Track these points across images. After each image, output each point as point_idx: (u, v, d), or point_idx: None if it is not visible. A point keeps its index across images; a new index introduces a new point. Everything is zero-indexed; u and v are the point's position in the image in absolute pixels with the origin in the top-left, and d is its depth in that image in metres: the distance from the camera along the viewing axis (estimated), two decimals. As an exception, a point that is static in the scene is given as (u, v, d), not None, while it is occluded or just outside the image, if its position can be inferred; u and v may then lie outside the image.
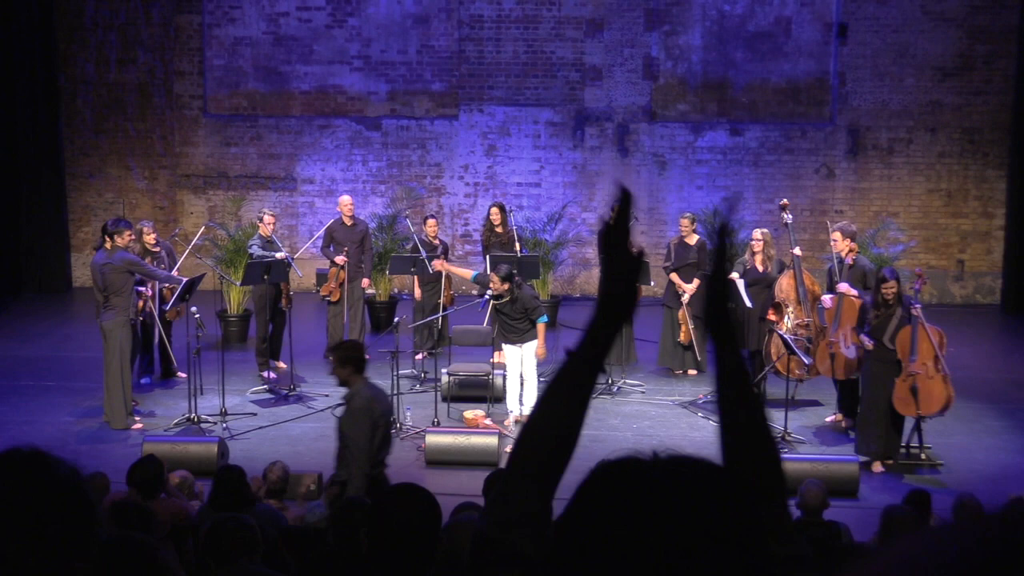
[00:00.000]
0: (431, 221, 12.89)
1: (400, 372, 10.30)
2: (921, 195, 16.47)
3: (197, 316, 9.97)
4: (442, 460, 9.11)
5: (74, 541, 1.80)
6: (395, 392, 10.00)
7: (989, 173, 16.41)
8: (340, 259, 12.19)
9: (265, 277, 11.26)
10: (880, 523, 5.81)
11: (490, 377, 10.79)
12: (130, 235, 10.08)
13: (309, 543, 5.51)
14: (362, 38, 16.82)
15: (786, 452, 9.16)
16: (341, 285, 12.25)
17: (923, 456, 9.32)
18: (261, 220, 12.04)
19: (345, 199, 12.81)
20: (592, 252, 16.52)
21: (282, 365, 11.94)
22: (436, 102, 16.90)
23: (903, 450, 9.53)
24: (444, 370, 10.72)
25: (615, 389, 11.35)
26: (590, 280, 16.71)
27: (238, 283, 12.85)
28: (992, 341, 14.59)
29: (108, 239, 9.95)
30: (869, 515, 6.21)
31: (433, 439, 9.27)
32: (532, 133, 16.81)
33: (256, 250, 11.70)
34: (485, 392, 10.72)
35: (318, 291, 12.76)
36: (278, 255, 11.63)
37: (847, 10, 16.24)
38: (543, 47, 16.66)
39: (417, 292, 12.61)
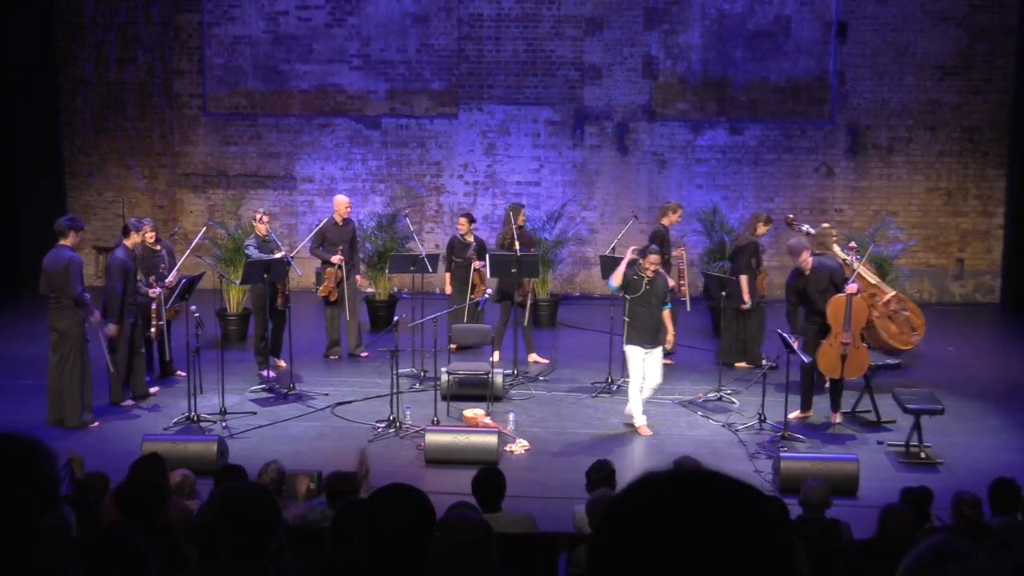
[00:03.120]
0: (463, 220, 12.82)
1: (400, 371, 10.30)
2: (921, 194, 16.47)
3: (197, 315, 9.97)
4: (442, 459, 9.12)
5: (32, 504, 2.22)
6: (395, 391, 10.00)
7: (989, 172, 16.41)
8: (336, 258, 12.19)
9: (265, 276, 11.26)
10: (878, 521, 5.81)
11: (489, 376, 10.79)
12: (78, 235, 10.11)
13: (309, 543, 5.51)
14: (361, 37, 16.82)
15: (785, 451, 9.17)
16: (339, 285, 12.25)
17: (923, 455, 9.33)
18: (257, 220, 12.02)
19: (343, 199, 12.79)
20: (591, 251, 16.53)
21: (282, 363, 11.94)
22: (436, 101, 16.90)
23: (903, 449, 9.55)
24: (443, 369, 10.73)
25: (615, 388, 11.35)
26: (590, 279, 16.72)
27: (238, 282, 12.85)
28: (992, 340, 14.60)
29: (63, 236, 10.06)
30: (869, 514, 6.21)
31: (433, 438, 9.27)
32: (532, 132, 16.81)
33: (252, 251, 11.69)
34: (485, 391, 10.73)
35: (317, 291, 12.76)
36: (276, 255, 11.63)
37: (847, 9, 16.24)
38: (543, 46, 16.65)
39: (448, 288, 12.59)
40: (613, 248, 12.47)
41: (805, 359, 10.13)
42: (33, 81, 16.47)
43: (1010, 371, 12.48)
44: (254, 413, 10.54)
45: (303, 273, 13.79)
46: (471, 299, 12.22)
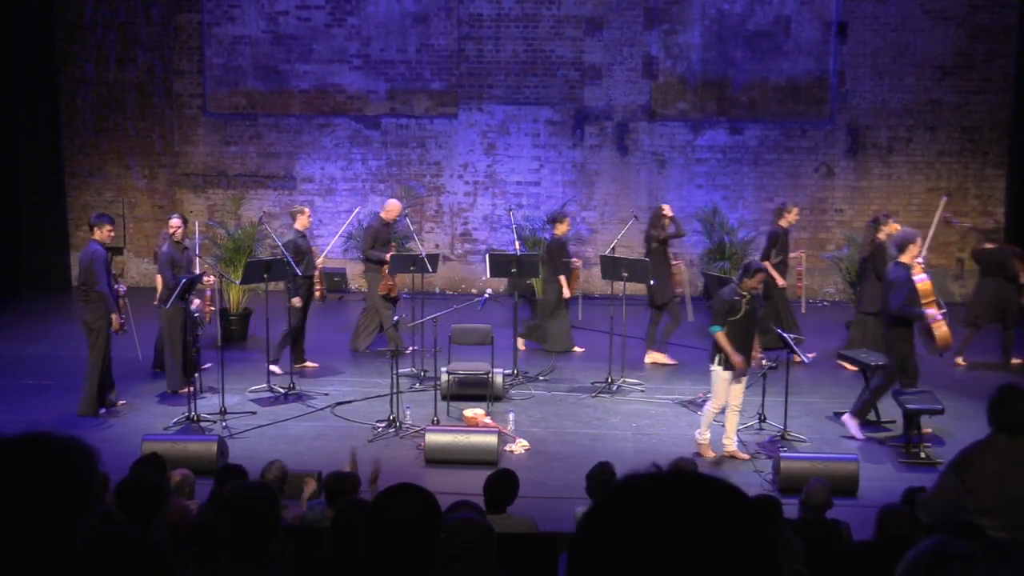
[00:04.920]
0: (565, 221, 12.82)
1: (400, 371, 10.30)
2: (921, 194, 16.47)
3: (196, 315, 9.97)
4: (442, 459, 9.12)
5: (74, 505, 2.27)
6: (395, 391, 10.00)
7: (989, 172, 16.41)
8: (388, 255, 12.52)
9: (265, 276, 11.27)
10: (876, 522, 5.80)
11: (489, 376, 10.79)
12: (110, 230, 10.34)
13: (309, 543, 5.51)
14: (361, 37, 16.82)
15: (785, 451, 9.16)
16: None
17: (922, 455, 9.33)
18: (302, 213, 12.25)
19: (396, 203, 12.98)
20: (591, 251, 16.52)
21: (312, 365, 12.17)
22: (435, 101, 16.90)
23: (903, 449, 9.55)
24: (443, 368, 10.73)
25: (615, 388, 11.35)
26: (589, 279, 16.71)
27: (238, 282, 12.85)
28: (991, 339, 14.58)
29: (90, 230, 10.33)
30: (869, 514, 6.20)
31: (433, 438, 9.27)
32: (531, 132, 16.81)
33: (299, 241, 11.94)
34: (484, 391, 10.72)
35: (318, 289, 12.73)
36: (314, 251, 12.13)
37: (847, 9, 16.24)
38: (543, 46, 16.66)
39: (567, 291, 12.60)
40: (613, 248, 12.46)
41: (805, 360, 10.12)
42: (33, 81, 16.47)
43: (1010, 371, 12.47)
44: (254, 413, 10.54)
45: (303, 273, 13.77)
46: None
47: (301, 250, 11.90)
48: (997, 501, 4.95)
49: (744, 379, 9.40)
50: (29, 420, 10.11)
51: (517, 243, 12.84)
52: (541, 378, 11.88)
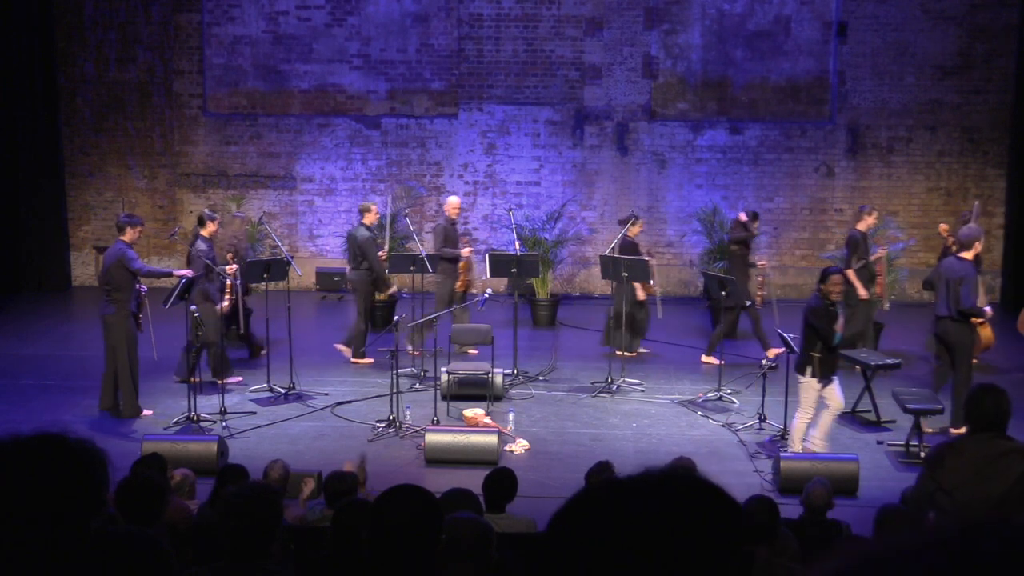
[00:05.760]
0: (640, 223, 12.82)
1: (400, 371, 10.30)
2: (921, 194, 16.47)
3: (196, 315, 9.97)
4: (442, 459, 9.12)
5: (86, 503, 2.29)
6: (395, 391, 10.01)
7: (989, 172, 16.41)
8: (466, 251, 12.65)
9: (265, 276, 11.27)
10: (875, 522, 5.80)
11: (490, 376, 10.80)
12: (140, 230, 10.49)
13: (309, 543, 5.51)
14: (361, 37, 16.82)
15: (786, 451, 9.16)
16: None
17: (922, 455, 9.32)
18: (368, 211, 12.46)
19: (455, 199, 13.00)
20: (591, 251, 16.53)
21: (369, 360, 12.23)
22: (436, 101, 16.90)
23: (903, 448, 9.55)
24: (443, 368, 10.73)
25: (615, 388, 11.36)
26: (589, 279, 16.72)
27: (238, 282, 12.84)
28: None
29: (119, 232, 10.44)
30: (869, 514, 6.20)
31: (432, 438, 9.27)
32: (532, 132, 16.81)
33: (367, 235, 12.19)
34: (484, 391, 10.73)
35: (318, 289, 12.75)
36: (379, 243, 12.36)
37: (847, 9, 16.24)
38: (543, 46, 16.66)
39: (640, 294, 12.60)
40: (613, 248, 12.46)
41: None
42: (33, 81, 16.47)
43: (1010, 370, 12.47)
44: (254, 413, 10.54)
45: (303, 273, 13.78)
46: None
47: (365, 245, 12.12)
48: (969, 497, 4.99)
49: (835, 382, 9.09)
50: (30, 419, 10.12)
51: (517, 243, 12.84)
52: (541, 378, 11.88)
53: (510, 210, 14.00)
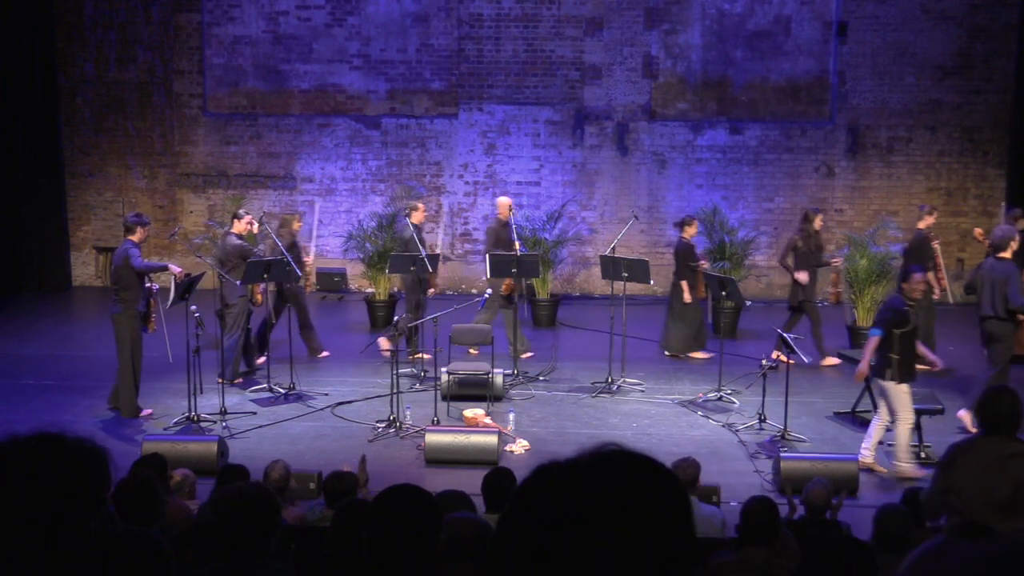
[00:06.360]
0: (694, 223, 12.81)
1: (400, 371, 10.30)
2: (921, 194, 16.47)
3: (197, 315, 9.97)
4: (442, 459, 9.11)
5: (85, 503, 2.28)
6: (395, 391, 10.01)
7: (989, 172, 16.42)
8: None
9: (265, 276, 11.28)
10: (874, 521, 5.79)
11: (490, 376, 10.79)
12: (147, 231, 10.58)
13: (309, 543, 5.51)
14: (361, 37, 16.82)
15: (785, 451, 9.16)
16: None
17: (922, 455, 9.32)
18: (416, 209, 12.45)
19: (506, 200, 12.95)
20: (591, 251, 16.52)
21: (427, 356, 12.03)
22: (436, 101, 16.90)
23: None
24: (444, 369, 10.72)
25: (615, 388, 11.35)
26: (589, 279, 16.72)
27: (238, 282, 12.84)
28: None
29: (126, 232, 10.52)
30: (869, 514, 6.19)
31: (433, 438, 9.27)
32: (532, 132, 16.81)
33: (410, 233, 12.22)
34: (485, 391, 10.72)
35: (318, 289, 12.73)
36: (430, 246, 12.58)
37: (847, 9, 16.24)
38: (543, 46, 16.66)
39: (687, 296, 12.61)
40: (613, 248, 12.46)
41: (805, 360, 10.12)
42: (33, 81, 16.48)
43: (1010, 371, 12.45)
44: (254, 413, 10.54)
45: (303, 274, 13.77)
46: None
47: (409, 243, 12.15)
48: (977, 498, 5.01)
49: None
50: (30, 419, 10.12)
51: (517, 243, 12.83)
52: (541, 378, 11.88)
53: (510, 210, 14.00)
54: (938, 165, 16.46)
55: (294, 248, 12.25)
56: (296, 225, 12.53)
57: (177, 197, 17.22)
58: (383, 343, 12.19)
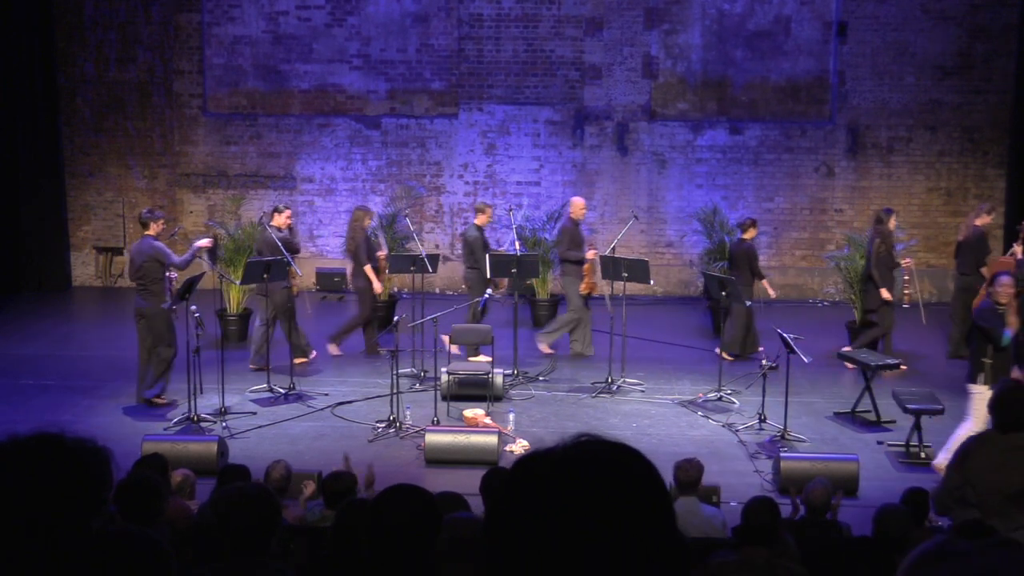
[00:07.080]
0: (756, 224, 12.96)
1: (400, 371, 10.30)
2: (921, 194, 16.47)
3: (197, 315, 9.97)
4: (442, 459, 9.12)
5: (85, 503, 2.29)
6: (395, 391, 10.01)
7: (989, 172, 16.41)
8: (591, 253, 12.61)
9: (265, 276, 11.28)
10: (874, 521, 5.80)
11: (490, 376, 10.79)
12: (163, 223, 10.79)
13: (309, 543, 5.51)
14: (361, 37, 16.82)
15: (785, 451, 9.16)
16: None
17: (922, 455, 9.33)
18: (483, 211, 12.72)
19: (580, 201, 13.00)
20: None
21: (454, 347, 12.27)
22: (436, 101, 16.90)
23: (903, 448, 9.55)
24: (444, 369, 10.73)
25: (615, 388, 11.35)
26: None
27: (238, 282, 12.86)
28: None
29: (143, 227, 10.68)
30: (869, 514, 6.20)
31: (433, 438, 9.27)
32: (532, 132, 16.81)
33: (476, 235, 12.47)
34: (485, 391, 10.72)
35: (318, 289, 12.70)
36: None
37: (847, 9, 16.24)
38: (543, 46, 16.66)
39: (771, 292, 12.65)
40: (613, 248, 12.46)
41: (806, 360, 10.11)
42: (33, 81, 16.47)
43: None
44: (254, 413, 10.54)
45: (303, 273, 13.78)
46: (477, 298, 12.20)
47: (474, 244, 12.40)
48: (990, 491, 5.06)
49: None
50: (30, 420, 10.12)
51: (517, 243, 12.84)
52: (541, 378, 11.88)
53: (510, 210, 14.00)
54: (938, 165, 16.46)
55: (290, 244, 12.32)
56: (370, 218, 12.76)
57: (177, 197, 17.21)
58: (445, 340, 11.90)
